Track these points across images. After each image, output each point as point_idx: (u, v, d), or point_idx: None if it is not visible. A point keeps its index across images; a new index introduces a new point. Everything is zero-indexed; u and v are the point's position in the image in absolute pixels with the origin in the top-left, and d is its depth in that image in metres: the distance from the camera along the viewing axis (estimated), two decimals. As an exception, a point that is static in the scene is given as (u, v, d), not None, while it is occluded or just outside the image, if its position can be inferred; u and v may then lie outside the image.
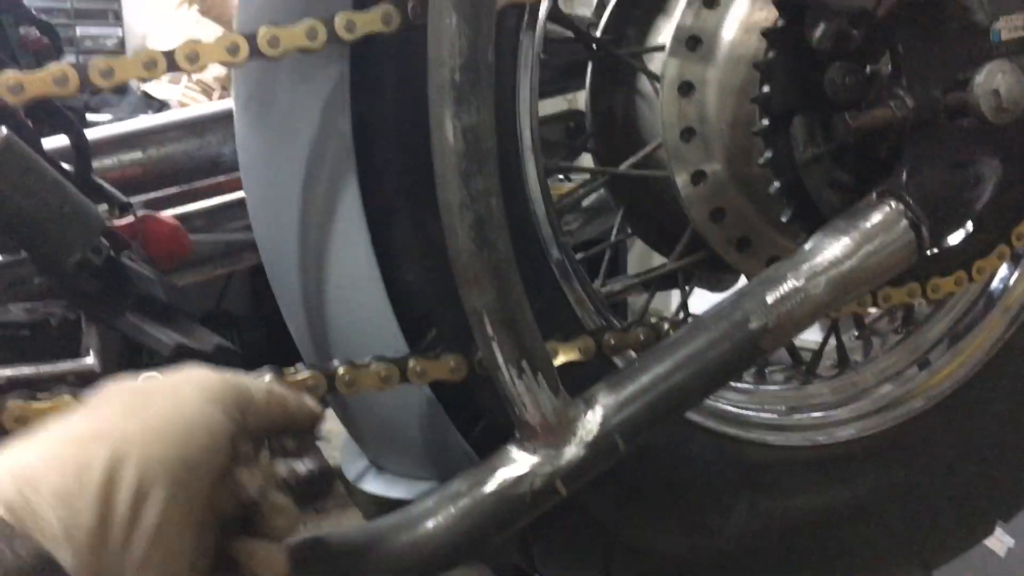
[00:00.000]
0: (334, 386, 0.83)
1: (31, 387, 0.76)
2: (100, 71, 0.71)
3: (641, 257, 2.19)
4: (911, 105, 0.87)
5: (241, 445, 0.61)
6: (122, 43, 4.49)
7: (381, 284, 0.91)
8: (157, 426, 0.56)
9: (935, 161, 0.89)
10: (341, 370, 0.84)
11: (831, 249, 0.86)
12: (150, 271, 1.01)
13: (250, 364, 0.96)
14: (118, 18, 4.53)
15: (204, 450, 0.58)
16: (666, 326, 0.93)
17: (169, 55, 0.73)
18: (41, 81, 0.70)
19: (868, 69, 0.92)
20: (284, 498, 0.64)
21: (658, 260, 1.41)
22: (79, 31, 4.44)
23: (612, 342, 0.91)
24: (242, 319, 2.98)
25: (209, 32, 4.14)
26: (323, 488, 0.73)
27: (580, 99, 1.41)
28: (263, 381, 0.69)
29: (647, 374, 0.82)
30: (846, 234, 0.86)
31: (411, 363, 0.86)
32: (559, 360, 0.90)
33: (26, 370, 0.81)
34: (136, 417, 0.56)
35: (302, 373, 0.82)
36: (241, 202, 1.34)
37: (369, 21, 0.78)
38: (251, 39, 0.75)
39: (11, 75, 0.70)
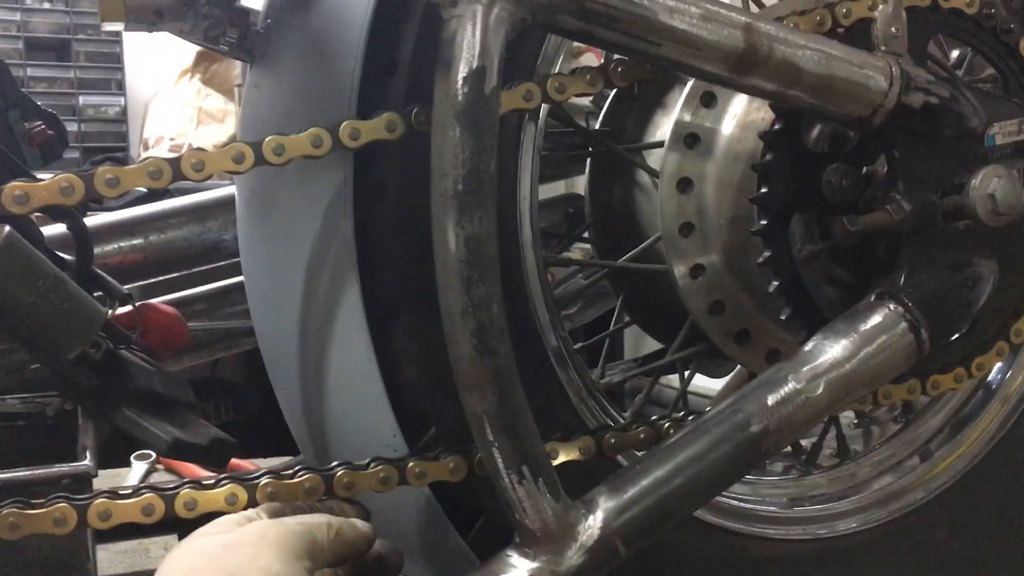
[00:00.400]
0: (332, 488, 0.83)
1: (26, 492, 0.75)
2: (105, 180, 0.71)
3: (636, 337, 2.19)
4: (908, 209, 0.88)
5: None
6: (124, 112, 4.55)
7: (380, 382, 0.90)
8: None
9: (933, 263, 0.90)
10: (340, 472, 0.83)
11: (831, 351, 0.86)
12: (148, 362, 1.01)
13: (246, 431, 0.96)
14: (121, 88, 4.59)
15: None
16: (667, 425, 0.92)
17: (175, 163, 0.74)
18: (47, 191, 0.71)
19: (864, 170, 0.93)
20: None
21: (652, 340, 1.41)
22: (82, 100, 4.50)
23: (613, 441, 0.91)
24: (237, 386, 2.97)
25: (211, 100, 4.19)
26: (396, 568, 0.78)
27: (579, 183, 1.42)
28: (323, 519, 0.74)
29: (648, 477, 0.82)
30: (845, 336, 0.86)
31: (410, 464, 0.85)
32: (559, 460, 0.89)
33: (21, 474, 0.80)
34: None
35: (300, 476, 0.82)
36: (239, 287, 1.34)
37: (373, 129, 0.79)
38: (256, 147, 0.76)
39: (17, 185, 0.71)
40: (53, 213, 1.02)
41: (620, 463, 0.98)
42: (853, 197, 0.92)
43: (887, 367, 0.87)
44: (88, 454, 0.85)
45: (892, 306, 0.87)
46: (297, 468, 0.82)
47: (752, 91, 0.86)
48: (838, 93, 0.84)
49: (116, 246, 1.25)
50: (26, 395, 1.04)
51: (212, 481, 0.80)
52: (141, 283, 1.28)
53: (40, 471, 0.81)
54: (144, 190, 1.68)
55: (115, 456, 1.59)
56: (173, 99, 4.20)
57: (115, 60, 4.63)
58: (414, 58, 0.85)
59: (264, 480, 0.81)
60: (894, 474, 1.18)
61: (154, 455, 1.62)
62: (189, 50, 4.11)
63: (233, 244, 1.31)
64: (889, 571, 1.14)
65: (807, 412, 0.85)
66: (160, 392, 0.98)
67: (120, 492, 0.78)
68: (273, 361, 0.99)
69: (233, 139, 0.81)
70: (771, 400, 0.84)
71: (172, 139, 4.12)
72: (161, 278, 1.31)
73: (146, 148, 4.26)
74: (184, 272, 1.33)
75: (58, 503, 0.74)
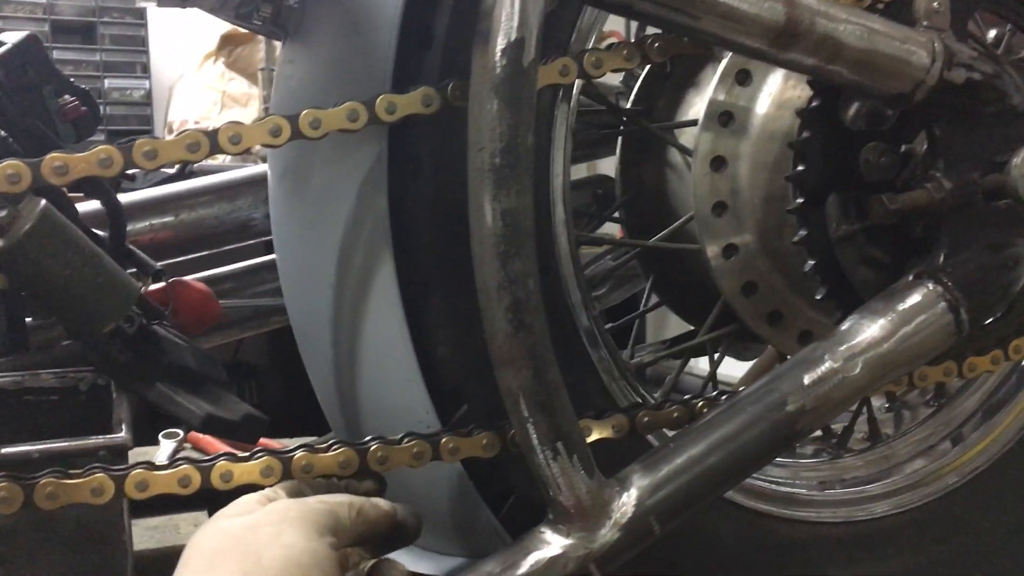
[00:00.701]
0: (366, 462, 0.83)
1: (64, 463, 0.76)
2: (144, 153, 0.71)
3: (659, 319, 2.18)
4: (948, 187, 0.87)
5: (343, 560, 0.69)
6: (149, 95, 4.58)
7: (414, 358, 0.90)
8: None
9: (972, 243, 0.89)
10: (374, 446, 0.83)
11: (869, 331, 0.85)
12: (181, 338, 1.01)
13: (269, 415, 0.96)
14: (146, 71, 4.62)
15: None
16: (700, 404, 0.92)
17: (212, 136, 0.74)
18: (86, 162, 0.71)
19: (903, 148, 0.92)
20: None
21: (675, 320, 1.40)
22: (107, 83, 4.53)
23: (646, 420, 0.90)
24: (260, 370, 2.98)
25: (234, 84, 4.20)
26: (414, 532, 0.79)
27: (602, 165, 1.41)
28: (345, 498, 0.74)
29: (682, 456, 0.81)
30: (883, 316, 0.85)
31: (443, 440, 0.85)
32: (592, 437, 0.89)
33: (58, 445, 0.81)
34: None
35: (335, 450, 0.82)
36: (269, 265, 1.35)
37: (409, 103, 0.79)
38: (292, 120, 0.76)
39: (57, 156, 0.71)
40: (88, 189, 1.02)
41: (651, 443, 0.97)
42: (891, 176, 0.91)
43: (925, 347, 0.86)
44: (123, 426, 0.86)
45: (931, 286, 0.86)
46: (332, 442, 0.82)
47: (792, 66, 0.85)
48: (879, 69, 0.83)
49: (147, 224, 1.26)
50: (59, 370, 1.05)
51: (247, 454, 0.81)
52: (170, 261, 1.29)
53: (77, 442, 0.82)
54: (171, 171, 1.69)
55: (142, 435, 1.60)
56: (197, 82, 4.21)
57: (140, 43, 4.65)
58: (450, 32, 0.84)
59: (299, 453, 0.81)
60: (927, 458, 1.17)
61: (182, 433, 1.63)
62: (213, 33, 4.12)
63: (262, 223, 1.31)
64: (921, 555, 1.13)
65: (844, 392, 0.84)
66: (193, 368, 0.98)
67: (157, 464, 0.78)
68: (305, 338, 0.99)
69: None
70: (807, 379, 0.83)
71: (196, 122, 4.14)
72: (190, 256, 1.32)
73: (170, 132, 4.29)
74: (213, 251, 1.33)
75: (95, 473, 0.75)
